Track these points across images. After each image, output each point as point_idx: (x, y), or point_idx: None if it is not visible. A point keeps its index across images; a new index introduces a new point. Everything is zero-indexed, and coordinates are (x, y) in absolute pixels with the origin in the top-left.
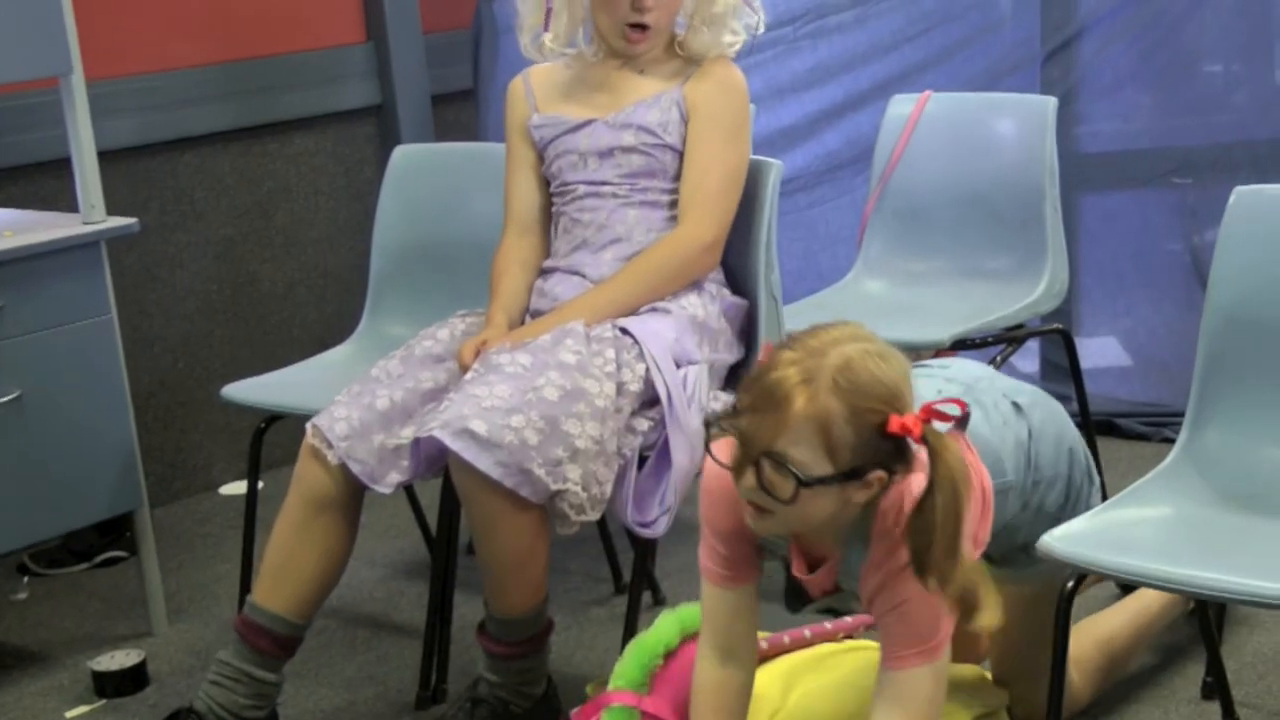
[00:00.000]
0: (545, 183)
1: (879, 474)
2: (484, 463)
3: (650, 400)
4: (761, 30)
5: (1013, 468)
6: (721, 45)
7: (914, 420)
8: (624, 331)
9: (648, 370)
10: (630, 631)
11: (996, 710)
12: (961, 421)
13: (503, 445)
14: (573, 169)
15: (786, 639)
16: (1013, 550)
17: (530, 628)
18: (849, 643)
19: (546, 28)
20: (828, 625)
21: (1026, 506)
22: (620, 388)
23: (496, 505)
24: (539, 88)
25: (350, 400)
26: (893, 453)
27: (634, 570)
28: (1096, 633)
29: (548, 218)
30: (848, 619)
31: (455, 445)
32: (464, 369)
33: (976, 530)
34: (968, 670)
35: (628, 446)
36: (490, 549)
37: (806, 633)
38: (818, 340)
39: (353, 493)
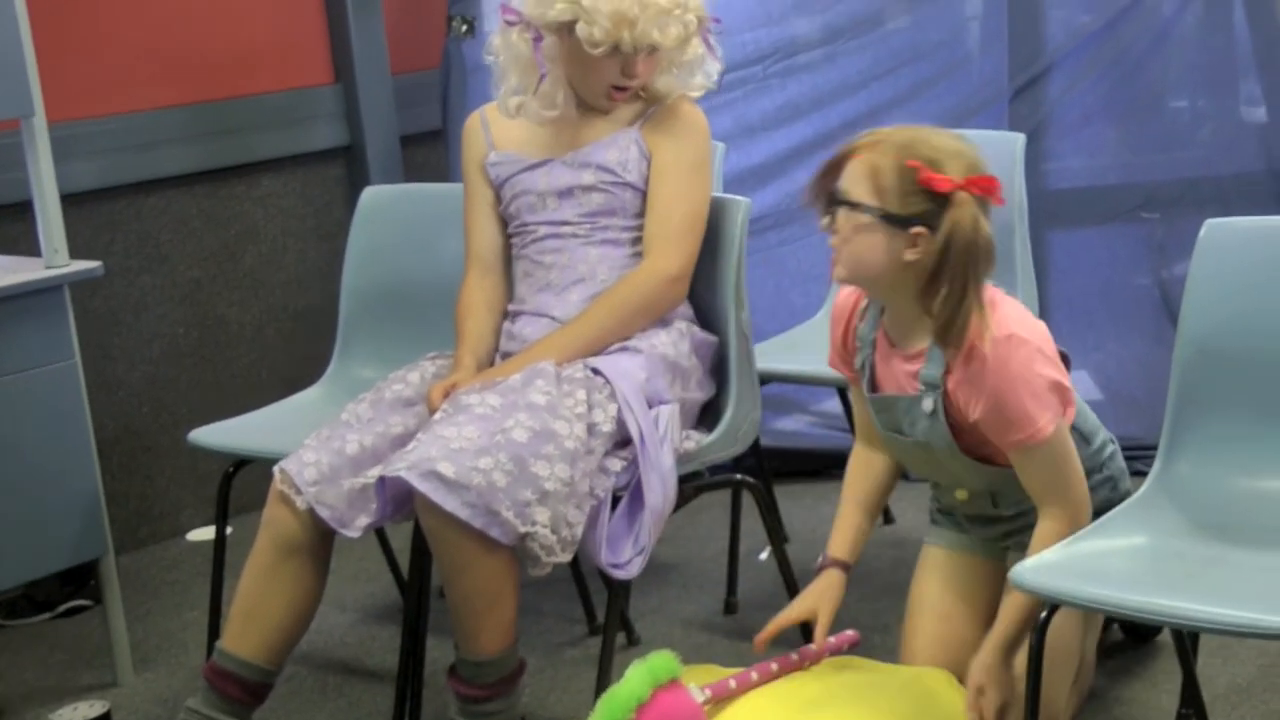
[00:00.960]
0: (505, 221)
1: (920, 229)
2: (451, 504)
3: (623, 440)
4: (716, 82)
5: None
6: (689, 88)
7: (945, 179)
8: (595, 372)
9: (619, 410)
10: (604, 673)
11: None
12: (985, 189)
13: (470, 487)
14: (531, 210)
15: (754, 675)
16: None
17: (502, 669)
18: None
19: (535, 93)
20: (793, 656)
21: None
22: (592, 428)
23: (465, 546)
24: (496, 125)
25: (319, 445)
26: (933, 211)
27: (608, 611)
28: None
29: (509, 256)
30: (811, 647)
31: (423, 486)
32: (433, 411)
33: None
34: (937, 679)
35: (600, 487)
36: (460, 590)
37: (774, 666)
38: (916, 126)
39: (322, 537)
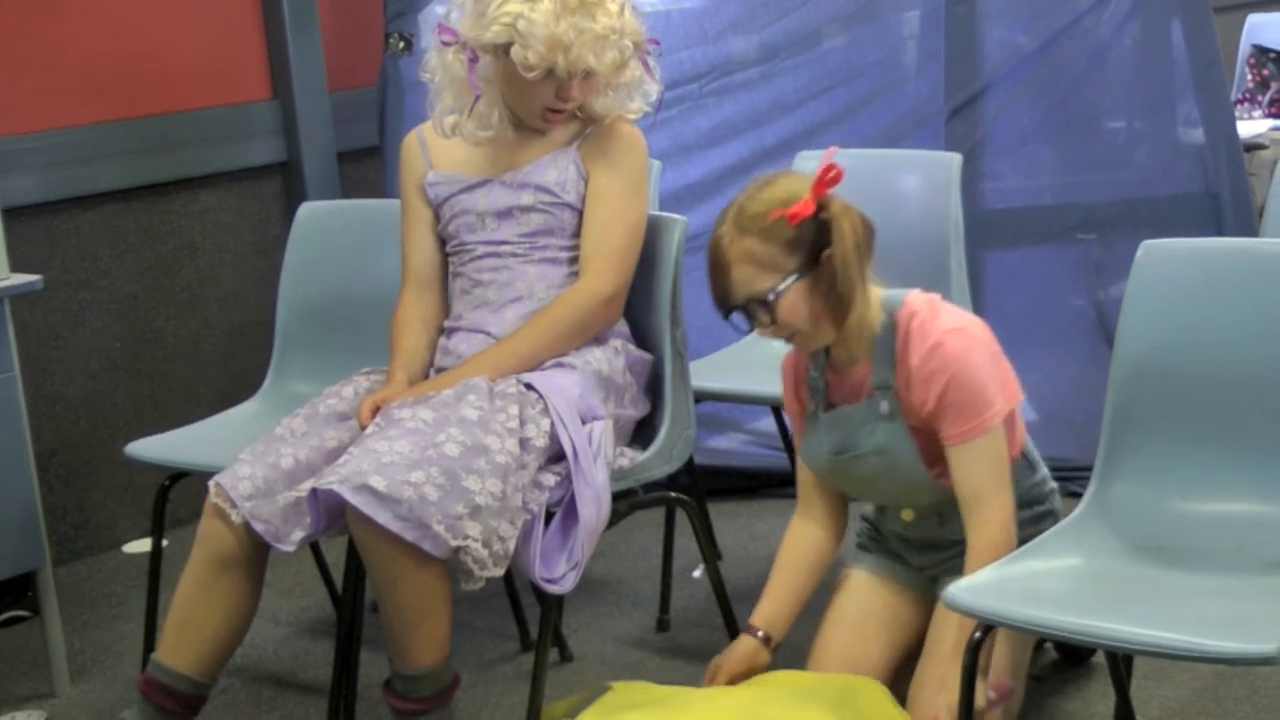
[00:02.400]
0: (443, 239)
1: (825, 253)
2: (383, 517)
3: (556, 455)
4: (656, 101)
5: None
6: (626, 110)
7: (804, 203)
8: (529, 387)
9: (553, 425)
10: (537, 690)
11: None
12: (834, 180)
13: (402, 500)
14: (470, 230)
15: None
16: None
17: (436, 683)
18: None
19: (469, 113)
20: None
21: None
22: (525, 443)
23: (397, 560)
24: (434, 144)
25: (254, 459)
26: (818, 231)
27: (541, 627)
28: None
29: (446, 273)
30: None
31: (354, 500)
32: (363, 426)
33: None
34: (870, 688)
35: (534, 502)
36: (393, 603)
37: None
38: (725, 211)
39: (257, 551)
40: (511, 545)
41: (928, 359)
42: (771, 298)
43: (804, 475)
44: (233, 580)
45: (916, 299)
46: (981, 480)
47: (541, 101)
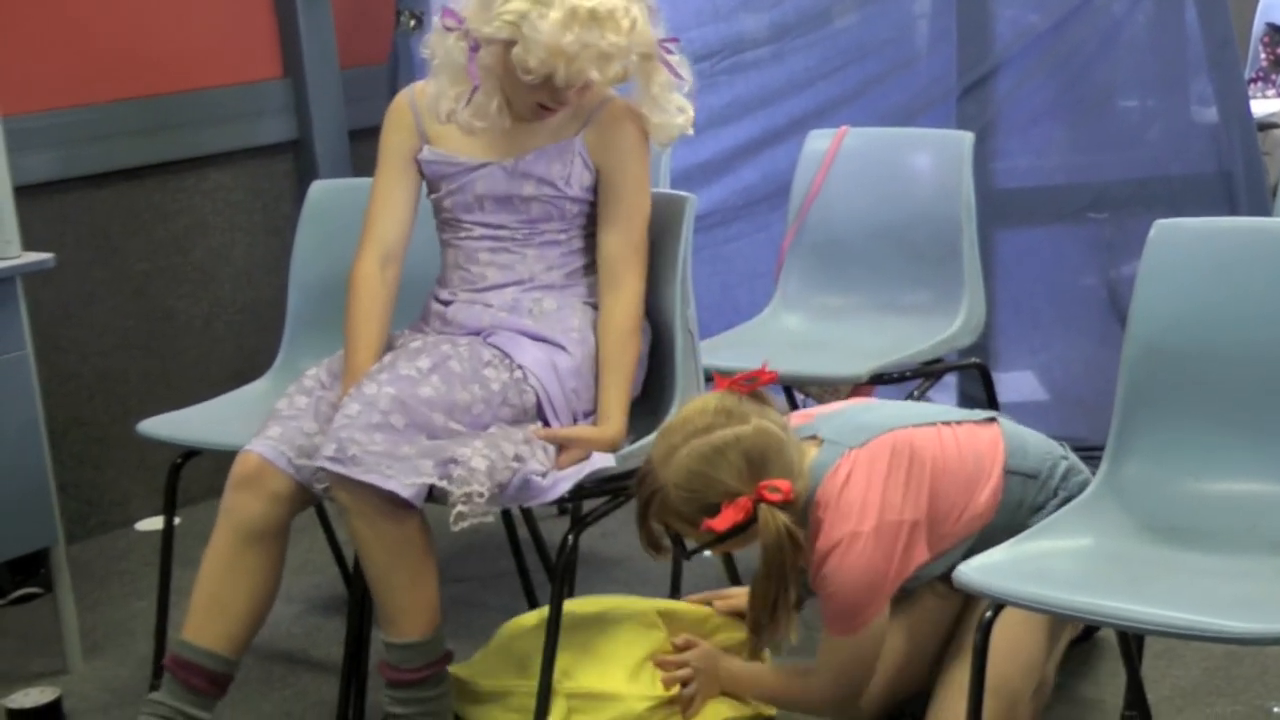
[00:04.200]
0: (416, 205)
1: (743, 501)
2: (354, 472)
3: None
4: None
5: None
6: (674, 127)
7: (736, 509)
8: (523, 377)
9: (539, 407)
10: (548, 665)
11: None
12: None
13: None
14: (466, 210)
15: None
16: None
17: (431, 652)
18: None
19: (466, 103)
20: None
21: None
22: (504, 400)
23: (376, 514)
24: (429, 117)
25: (280, 424)
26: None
27: (552, 601)
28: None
29: (408, 242)
30: None
31: (331, 467)
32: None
33: (901, 500)
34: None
35: (512, 440)
36: (378, 565)
37: None
38: (668, 443)
39: (284, 522)
40: (497, 477)
41: (819, 565)
42: (695, 549)
43: None
44: (259, 554)
45: (830, 481)
46: (839, 664)
47: (535, 99)
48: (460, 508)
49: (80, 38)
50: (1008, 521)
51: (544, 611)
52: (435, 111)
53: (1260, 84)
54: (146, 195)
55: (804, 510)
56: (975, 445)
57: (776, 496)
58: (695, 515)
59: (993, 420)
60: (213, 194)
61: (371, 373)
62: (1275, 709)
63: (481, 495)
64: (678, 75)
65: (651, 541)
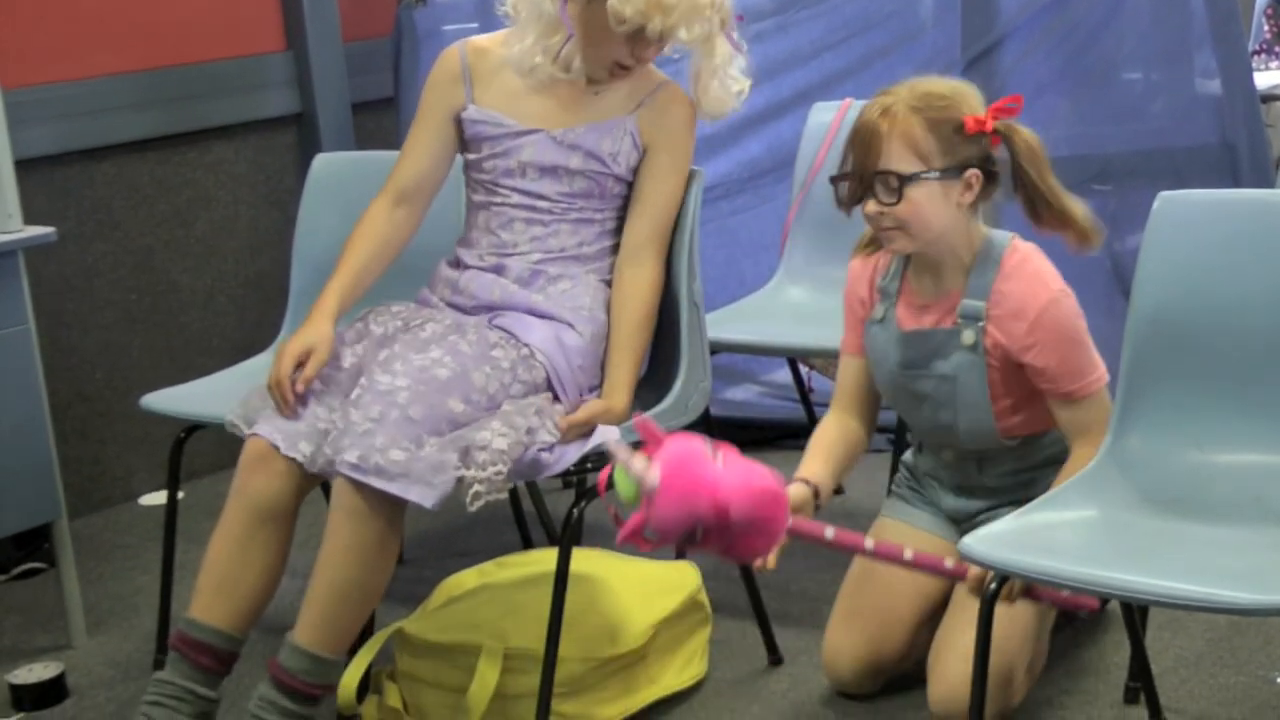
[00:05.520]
0: (448, 160)
1: (974, 172)
2: (379, 482)
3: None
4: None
5: None
6: (731, 98)
7: (985, 120)
8: (527, 350)
9: (549, 383)
10: (553, 643)
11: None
12: (1011, 111)
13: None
14: (508, 174)
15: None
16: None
17: (334, 674)
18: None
19: (557, 56)
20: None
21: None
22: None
23: (374, 515)
24: (479, 74)
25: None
26: (977, 151)
27: (556, 577)
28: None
29: (432, 194)
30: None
31: (357, 476)
32: (280, 382)
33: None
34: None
35: (524, 414)
36: (344, 574)
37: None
38: (892, 86)
39: (295, 500)
40: (511, 449)
41: (1046, 310)
42: (910, 182)
43: (846, 378)
44: (269, 533)
45: (1023, 243)
46: (1085, 425)
47: (614, 56)
48: (476, 487)
49: (82, 10)
50: (1042, 456)
51: (483, 568)
52: (519, 67)
53: (1264, 56)
54: (149, 169)
55: (977, 268)
56: None
57: (1016, 105)
58: (928, 130)
59: None
60: (215, 167)
61: (384, 362)
62: (1279, 679)
63: (501, 473)
64: (738, 49)
65: (860, 160)
